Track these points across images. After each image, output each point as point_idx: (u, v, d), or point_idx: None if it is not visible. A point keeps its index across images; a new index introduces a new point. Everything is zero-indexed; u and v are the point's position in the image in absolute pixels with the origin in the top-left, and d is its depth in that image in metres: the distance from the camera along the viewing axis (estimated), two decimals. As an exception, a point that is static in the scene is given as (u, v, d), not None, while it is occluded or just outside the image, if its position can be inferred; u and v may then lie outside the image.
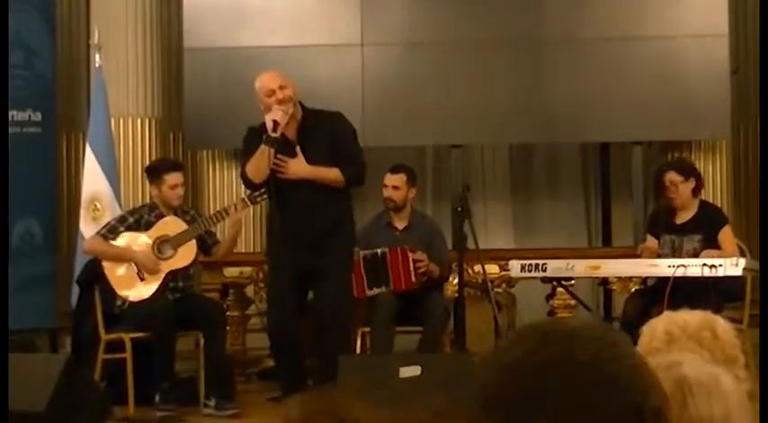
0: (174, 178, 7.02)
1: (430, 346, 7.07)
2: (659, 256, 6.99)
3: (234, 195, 8.31)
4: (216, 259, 7.35)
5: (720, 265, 6.47)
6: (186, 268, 7.05)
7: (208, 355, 6.81)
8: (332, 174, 6.57)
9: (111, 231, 7.00)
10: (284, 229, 6.53)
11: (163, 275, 6.92)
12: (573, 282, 7.35)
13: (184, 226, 6.97)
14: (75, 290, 7.40)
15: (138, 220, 7.03)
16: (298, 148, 6.59)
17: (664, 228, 7.13)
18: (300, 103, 6.65)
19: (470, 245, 6.78)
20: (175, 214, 7.04)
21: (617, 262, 7.08)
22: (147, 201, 7.57)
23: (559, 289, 7.48)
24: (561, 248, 8.30)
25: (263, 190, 6.68)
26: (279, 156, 6.51)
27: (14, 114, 8.33)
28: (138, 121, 8.58)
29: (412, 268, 7.18)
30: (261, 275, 7.81)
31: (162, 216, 7.02)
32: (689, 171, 7.21)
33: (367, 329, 7.17)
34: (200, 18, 8.50)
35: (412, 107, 8.44)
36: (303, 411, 1.32)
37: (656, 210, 7.73)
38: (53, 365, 5.75)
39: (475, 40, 8.46)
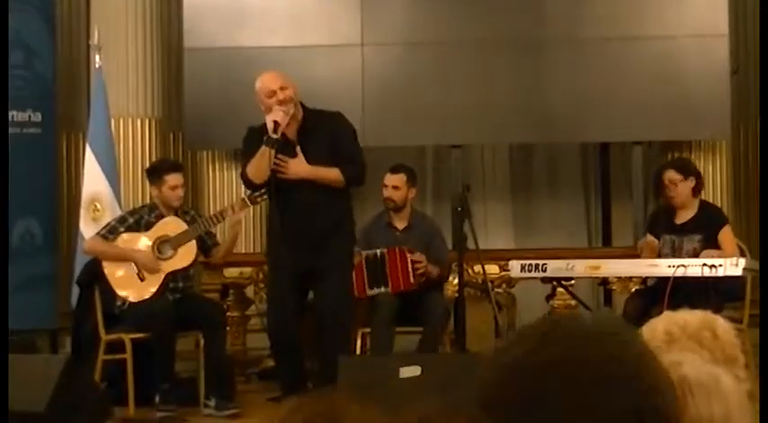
0: (174, 179, 7.02)
1: (430, 346, 7.07)
2: (659, 256, 6.98)
3: (234, 196, 8.30)
4: (215, 261, 7.34)
5: (720, 265, 6.47)
6: (186, 269, 7.04)
7: (208, 356, 6.80)
8: (332, 174, 6.57)
9: (111, 232, 7.00)
10: (284, 228, 6.53)
11: (163, 276, 6.92)
12: (573, 282, 7.35)
13: (184, 226, 6.97)
14: (75, 290, 7.40)
15: (138, 220, 7.03)
16: (298, 148, 6.59)
17: (664, 228, 7.13)
18: (301, 103, 6.65)
19: (470, 245, 6.78)
20: (176, 215, 7.04)
21: (617, 262, 7.07)
22: (147, 201, 7.57)
23: (559, 289, 7.48)
24: (561, 248, 8.30)
25: (263, 190, 6.68)
26: (279, 156, 6.51)
27: (14, 115, 8.33)
28: (138, 121, 8.58)
29: (410, 269, 7.18)
30: (261, 276, 7.81)
31: (162, 217, 7.02)
32: (688, 170, 7.20)
33: (367, 330, 7.16)
34: (201, 18, 8.50)
35: (412, 107, 8.44)
36: (301, 414, 1.32)
37: (656, 210, 7.73)
38: (53, 366, 5.75)
39: (475, 40, 8.46)
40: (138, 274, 6.92)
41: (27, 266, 8.30)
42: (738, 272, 6.46)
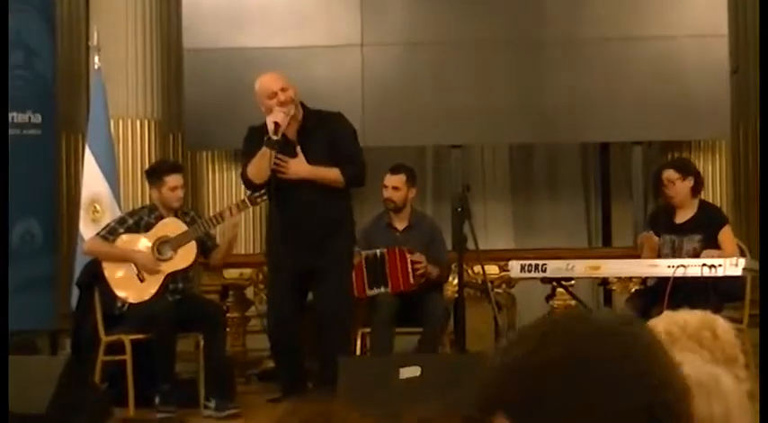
0: (174, 180, 7.02)
1: (430, 346, 7.06)
2: (659, 256, 6.98)
3: (234, 196, 8.30)
4: (214, 263, 7.33)
5: (720, 266, 6.46)
6: (186, 270, 7.04)
7: (208, 357, 6.80)
8: (332, 174, 6.57)
9: (110, 232, 7.00)
10: (284, 228, 6.53)
11: (162, 277, 6.92)
12: (573, 282, 7.35)
13: (184, 227, 6.97)
14: (75, 291, 7.40)
15: (137, 221, 7.03)
16: (298, 148, 6.59)
17: (663, 227, 7.12)
18: (301, 103, 6.65)
19: (470, 245, 6.77)
20: (175, 216, 7.04)
21: (617, 262, 7.07)
22: (147, 202, 7.57)
23: (559, 289, 7.47)
24: (561, 249, 8.30)
25: (262, 191, 6.68)
26: (279, 155, 6.51)
27: (14, 116, 8.33)
28: (138, 122, 8.58)
29: (410, 270, 7.18)
30: (261, 277, 7.81)
31: (162, 218, 7.02)
32: (687, 169, 7.20)
33: (367, 330, 7.16)
34: (200, 19, 8.49)
35: (412, 107, 8.44)
36: (298, 417, 1.31)
37: (655, 209, 7.73)
38: (54, 367, 5.76)
39: (474, 40, 8.46)
40: (137, 275, 6.92)
41: (27, 267, 8.30)
42: (738, 272, 6.46)
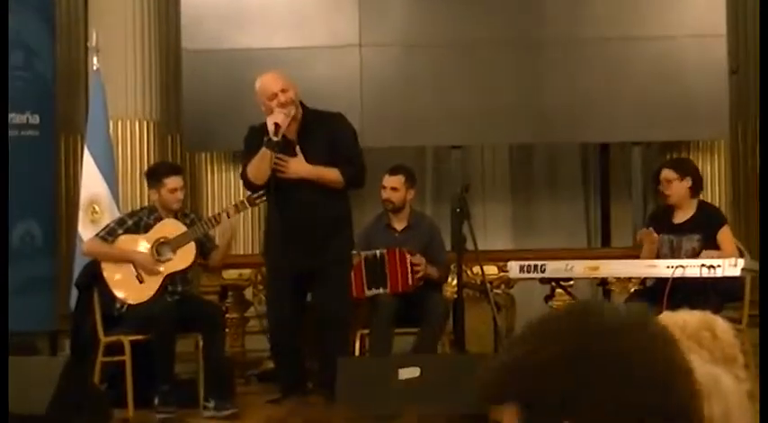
0: (173, 182, 7.01)
1: (429, 347, 7.06)
2: (658, 256, 6.98)
3: (233, 197, 8.30)
4: (213, 265, 7.33)
5: (719, 266, 6.46)
6: (185, 271, 7.04)
7: (207, 357, 6.80)
8: (331, 174, 6.57)
9: (109, 233, 7.00)
10: (284, 227, 6.53)
11: (162, 278, 6.92)
12: (572, 282, 7.35)
13: (183, 228, 6.97)
14: (74, 292, 7.40)
15: (136, 222, 7.03)
16: (297, 148, 6.59)
17: (662, 227, 7.12)
18: (301, 103, 6.65)
19: (469, 246, 6.77)
20: (175, 217, 7.04)
21: (616, 262, 7.07)
22: (146, 203, 7.56)
23: (558, 290, 7.48)
24: (560, 249, 8.30)
25: (261, 192, 6.68)
26: (279, 155, 6.50)
27: (13, 117, 8.33)
28: (137, 123, 8.58)
29: (409, 271, 7.17)
30: (260, 278, 7.80)
31: (161, 219, 7.02)
32: (685, 170, 7.19)
33: (366, 331, 7.16)
34: (199, 20, 8.49)
35: (411, 108, 8.44)
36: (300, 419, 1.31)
37: (655, 209, 7.73)
38: (53, 368, 5.75)
39: (473, 40, 8.46)
40: (136, 276, 6.91)
41: (27, 268, 8.30)
42: (737, 272, 6.46)
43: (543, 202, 9.42)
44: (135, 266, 6.92)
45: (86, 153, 7.96)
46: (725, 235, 7.03)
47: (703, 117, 8.32)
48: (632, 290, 7.55)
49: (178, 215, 7.07)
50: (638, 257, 7.08)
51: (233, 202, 7.35)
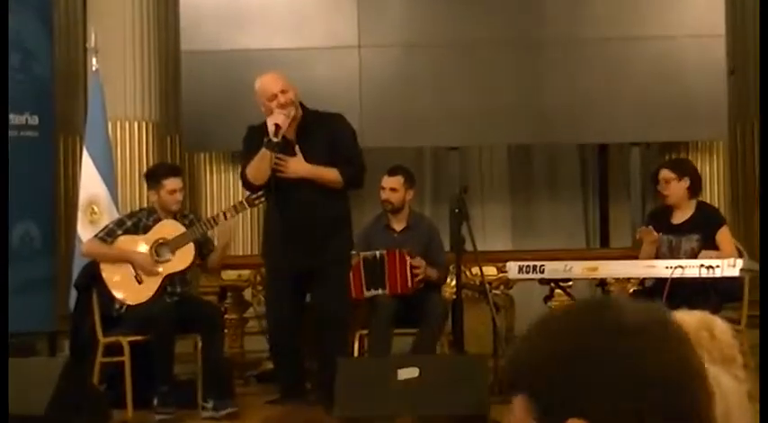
0: (172, 183, 7.01)
1: (428, 347, 7.06)
2: (657, 256, 6.98)
3: (232, 198, 8.30)
4: (211, 266, 7.33)
5: (718, 266, 6.47)
6: (184, 271, 7.04)
7: (206, 358, 6.79)
8: (331, 174, 6.57)
9: (108, 234, 7.00)
10: (284, 228, 6.52)
11: (161, 278, 6.92)
12: (571, 283, 7.35)
13: (182, 229, 6.97)
14: (74, 293, 7.39)
15: (136, 223, 7.03)
16: (297, 148, 6.59)
17: (661, 227, 7.12)
18: (301, 103, 6.65)
19: (468, 246, 6.77)
20: (174, 219, 7.04)
21: (615, 263, 7.07)
22: (145, 204, 7.56)
23: (557, 290, 7.48)
24: (559, 250, 8.30)
25: (260, 193, 6.68)
26: (278, 155, 6.50)
27: (12, 118, 8.32)
28: (136, 124, 8.58)
29: (409, 273, 7.17)
30: (259, 278, 7.80)
31: (160, 220, 7.02)
32: (683, 170, 7.20)
33: (365, 332, 7.15)
34: (198, 21, 8.49)
35: (410, 108, 8.44)
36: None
37: (654, 209, 7.73)
38: (52, 369, 5.76)
39: (473, 40, 8.46)
40: (135, 277, 6.91)
41: (26, 269, 8.30)
42: (736, 273, 6.46)
43: (542, 202, 9.42)
44: (134, 267, 6.92)
45: (85, 154, 7.96)
46: (724, 235, 7.03)
47: (702, 117, 8.32)
48: (631, 290, 7.55)
49: (177, 216, 7.07)
50: (637, 258, 7.08)
51: (232, 204, 7.35)
